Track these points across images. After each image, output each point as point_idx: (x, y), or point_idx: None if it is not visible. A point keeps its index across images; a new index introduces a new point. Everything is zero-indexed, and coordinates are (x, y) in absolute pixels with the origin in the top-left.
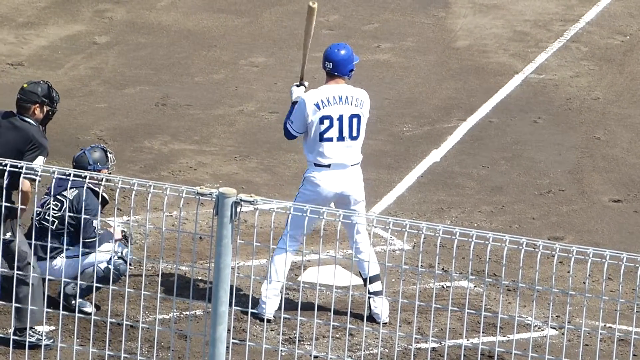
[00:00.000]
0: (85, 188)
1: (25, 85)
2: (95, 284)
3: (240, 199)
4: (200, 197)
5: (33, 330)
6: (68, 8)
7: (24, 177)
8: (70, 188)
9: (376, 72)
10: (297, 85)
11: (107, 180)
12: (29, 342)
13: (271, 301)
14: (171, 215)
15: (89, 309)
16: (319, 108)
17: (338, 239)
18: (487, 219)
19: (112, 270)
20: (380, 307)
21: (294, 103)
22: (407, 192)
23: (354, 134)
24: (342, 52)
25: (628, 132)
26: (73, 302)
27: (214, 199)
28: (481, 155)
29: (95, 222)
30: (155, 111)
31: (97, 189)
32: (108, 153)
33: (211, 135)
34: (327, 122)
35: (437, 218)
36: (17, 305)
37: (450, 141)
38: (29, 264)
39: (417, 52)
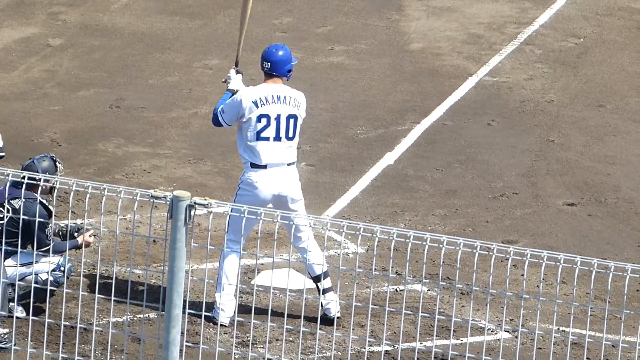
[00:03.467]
0: (35, 200)
1: None
2: (33, 292)
3: (195, 202)
4: (155, 200)
5: None
6: (22, 11)
7: None
8: (15, 199)
9: (330, 75)
10: (236, 72)
11: (60, 184)
12: None
13: (226, 307)
14: (125, 219)
15: (21, 314)
16: (257, 106)
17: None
18: (441, 223)
19: (49, 281)
20: (332, 302)
21: (230, 91)
22: (361, 195)
23: (290, 134)
24: (280, 52)
25: (582, 135)
26: (11, 304)
27: (168, 202)
28: (435, 158)
29: (47, 230)
30: (109, 114)
31: (43, 200)
32: (57, 163)
33: (165, 138)
34: (264, 121)
35: (391, 221)
36: None
37: (405, 144)
38: None
39: (371, 54)
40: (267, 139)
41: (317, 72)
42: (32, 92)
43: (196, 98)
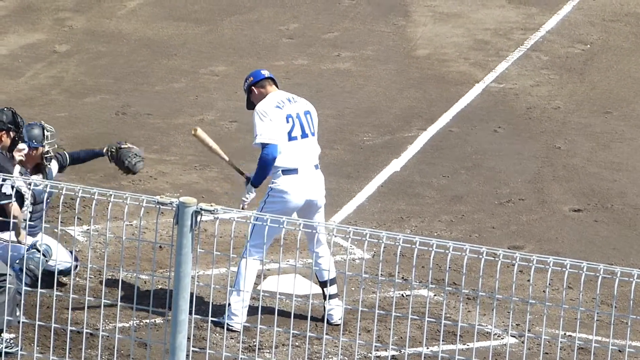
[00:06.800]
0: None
1: None
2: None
3: (201, 208)
4: (161, 207)
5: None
6: (28, 17)
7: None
8: None
9: (336, 81)
10: (253, 185)
11: (66, 190)
12: None
13: (240, 312)
14: (131, 225)
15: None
16: (280, 108)
17: (298, 247)
18: (446, 228)
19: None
20: (336, 308)
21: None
22: (367, 201)
23: (312, 129)
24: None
25: (588, 141)
26: None
27: (174, 208)
28: (441, 164)
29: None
30: (115, 120)
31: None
32: (46, 130)
33: (171, 144)
34: (290, 121)
35: (397, 227)
36: None
37: (411, 150)
38: (5, 274)
39: (377, 60)
40: (295, 138)
41: (323, 78)
42: (39, 98)
43: (202, 104)
